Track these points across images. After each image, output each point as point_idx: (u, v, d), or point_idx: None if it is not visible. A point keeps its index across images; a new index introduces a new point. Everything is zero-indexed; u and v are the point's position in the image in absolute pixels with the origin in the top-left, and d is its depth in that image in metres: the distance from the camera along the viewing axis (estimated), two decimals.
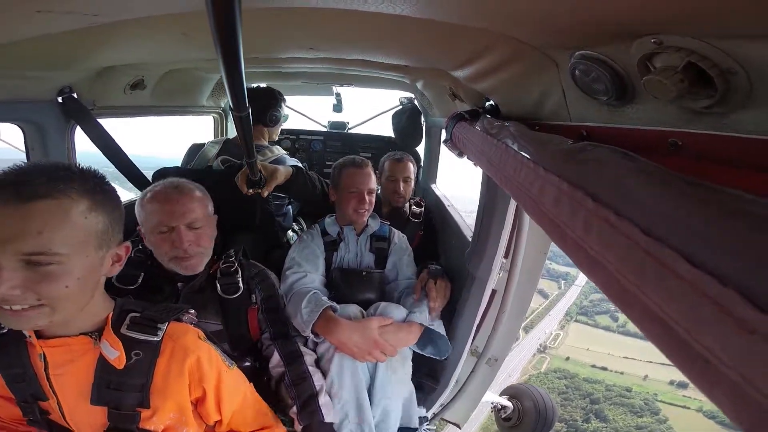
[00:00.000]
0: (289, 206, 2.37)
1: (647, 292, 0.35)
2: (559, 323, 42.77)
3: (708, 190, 0.37)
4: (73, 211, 0.76)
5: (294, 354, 1.40)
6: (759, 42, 0.45)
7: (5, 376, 0.92)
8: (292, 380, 1.34)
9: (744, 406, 0.28)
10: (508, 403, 2.66)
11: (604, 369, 36.17)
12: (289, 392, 1.33)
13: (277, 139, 2.45)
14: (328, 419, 1.31)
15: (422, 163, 3.16)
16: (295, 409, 1.30)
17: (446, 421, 2.29)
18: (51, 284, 0.74)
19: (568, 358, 37.53)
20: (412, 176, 2.41)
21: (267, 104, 2.24)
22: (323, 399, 1.34)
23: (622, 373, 35.35)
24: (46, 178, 0.74)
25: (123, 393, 0.91)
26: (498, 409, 2.70)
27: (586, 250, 0.44)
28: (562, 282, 47.07)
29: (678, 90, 0.52)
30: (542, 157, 0.64)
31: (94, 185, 0.81)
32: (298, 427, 1.29)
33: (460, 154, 1.37)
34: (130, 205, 1.33)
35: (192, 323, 1.05)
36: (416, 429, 1.56)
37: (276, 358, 1.38)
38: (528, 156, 0.69)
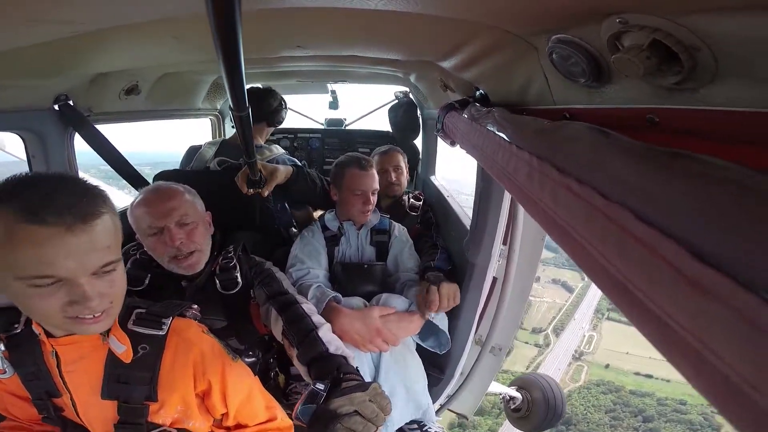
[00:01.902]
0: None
1: (609, 257, 0.36)
2: (591, 323, 36.95)
3: (667, 154, 0.37)
4: (113, 221, 0.84)
5: (289, 301, 1.33)
6: (719, 15, 0.46)
7: (20, 374, 0.95)
8: (289, 323, 1.25)
9: (703, 372, 0.28)
10: (517, 394, 2.65)
11: (650, 377, 30.84)
12: (289, 340, 1.23)
13: (266, 139, 2.46)
14: (332, 350, 1.15)
15: (421, 156, 3.17)
16: (295, 352, 1.19)
17: (454, 412, 2.30)
18: (117, 286, 0.85)
19: (607, 366, 32.47)
20: (402, 164, 2.46)
21: (276, 106, 2.22)
22: (324, 333, 1.21)
23: (668, 381, 30.02)
24: (90, 197, 0.80)
25: (131, 386, 0.94)
26: (507, 400, 2.70)
27: (555, 220, 0.45)
28: None
29: (646, 67, 0.53)
30: (518, 137, 0.65)
31: (106, 196, 0.88)
32: (302, 369, 1.16)
33: (452, 143, 1.39)
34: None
35: (195, 318, 1.07)
36: (421, 421, 1.57)
37: (274, 314, 1.31)
38: (506, 138, 0.70)
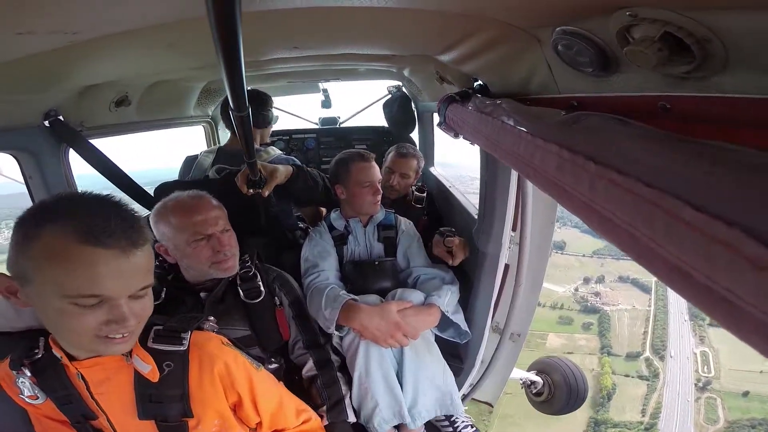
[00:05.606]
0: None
1: (661, 243, 0.37)
2: (695, 334, 27.23)
3: (698, 144, 0.39)
4: (151, 247, 0.87)
5: (326, 361, 1.49)
6: (729, 13, 0.47)
7: (53, 399, 0.95)
8: (325, 384, 1.44)
9: None
10: (538, 379, 2.66)
11: None
12: (321, 394, 1.42)
13: (268, 141, 2.44)
14: (351, 419, 1.42)
15: (418, 149, 3.16)
16: (325, 408, 1.39)
17: (478, 401, 2.31)
18: (147, 308, 0.88)
19: (746, 394, 23.60)
20: (412, 174, 2.40)
21: (256, 106, 2.23)
22: (348, 402, 1.45)
23: None
24: (139, 223, 0.83)
25: (165, 405, 0.95)
26: (528, 385, 2.71)
27: (595, 209, 0.47)
28: None
29: (658, 58, 0.55)
30: (538, 129, 0.66)
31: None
32: (324, 422, 1.37)
33: (456, 135, 1.38)
34: None
35: (213, 331, 1.07)
36: (451, 416, 1.58)
37: (309, 364, 1.47)
38: (524, 129, 0.71)
